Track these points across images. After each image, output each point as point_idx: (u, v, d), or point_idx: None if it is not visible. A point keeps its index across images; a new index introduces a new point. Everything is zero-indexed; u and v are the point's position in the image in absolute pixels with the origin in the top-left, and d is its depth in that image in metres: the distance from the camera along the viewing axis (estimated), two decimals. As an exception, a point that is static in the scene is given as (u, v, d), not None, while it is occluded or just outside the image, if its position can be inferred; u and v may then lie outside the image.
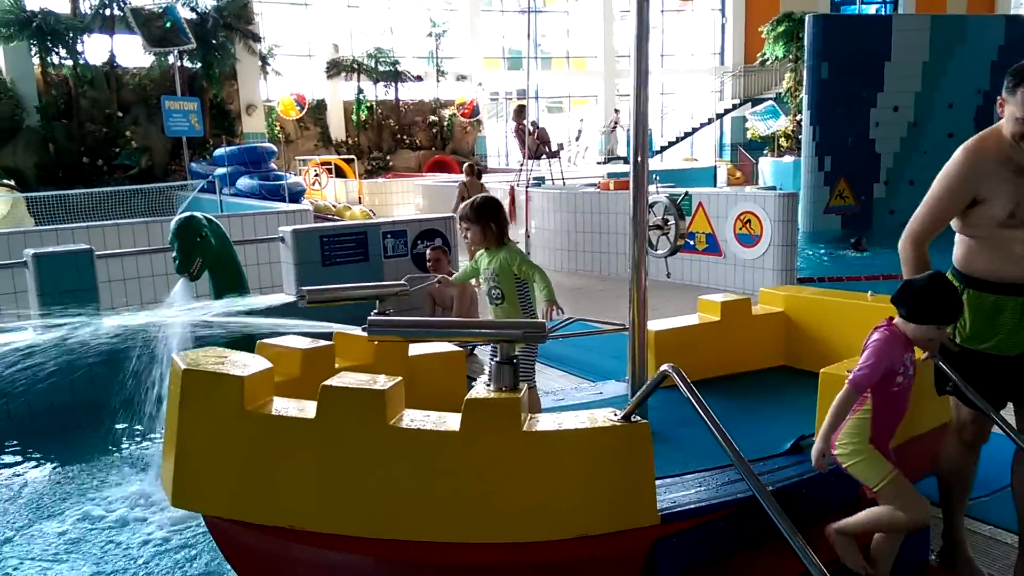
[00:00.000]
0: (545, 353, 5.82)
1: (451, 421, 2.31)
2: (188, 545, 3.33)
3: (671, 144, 28.31)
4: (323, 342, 2.99)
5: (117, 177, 17.40)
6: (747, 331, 4.25)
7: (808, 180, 13.46)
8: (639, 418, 2.42)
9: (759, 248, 8.59)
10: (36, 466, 4.39)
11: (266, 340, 2.96)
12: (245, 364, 2.42)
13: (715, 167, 21.45)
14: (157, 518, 3.56)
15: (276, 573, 2.48)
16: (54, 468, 4.34)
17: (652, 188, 10.32)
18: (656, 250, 3.43)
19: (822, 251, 12.12)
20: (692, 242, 9.28)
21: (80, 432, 4.67)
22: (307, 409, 2.32)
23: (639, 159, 3.11)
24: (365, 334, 2.73)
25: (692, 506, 2.61)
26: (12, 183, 14.58)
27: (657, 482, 2.66)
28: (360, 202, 17.35)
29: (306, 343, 2.96)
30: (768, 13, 26.00)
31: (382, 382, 2.31)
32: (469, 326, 2.85)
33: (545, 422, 2.38)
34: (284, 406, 2.35)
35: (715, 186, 18.95)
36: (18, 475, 4.27)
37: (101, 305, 5.60)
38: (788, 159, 20.39)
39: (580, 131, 28.49)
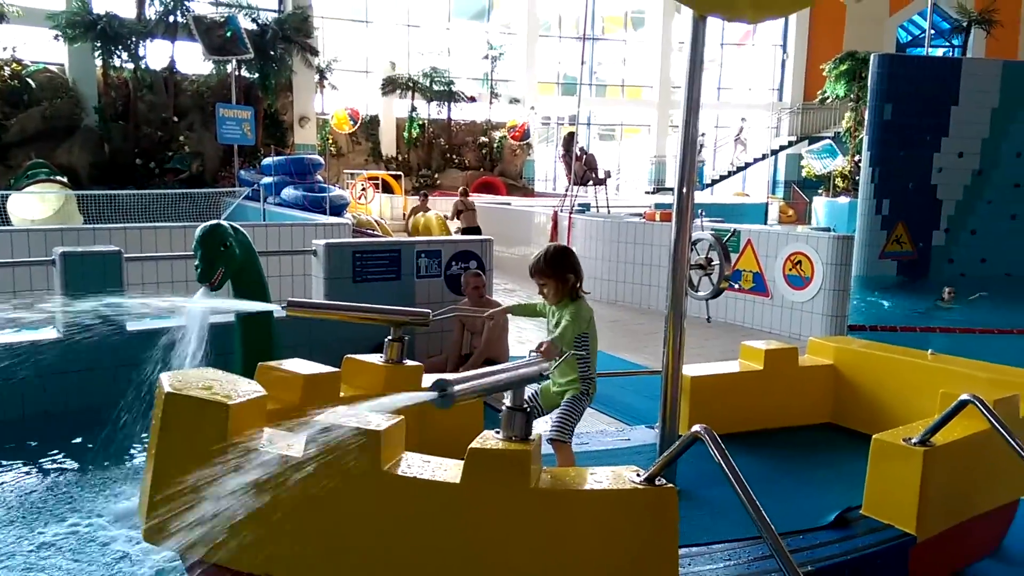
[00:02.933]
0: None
1: (454, 470, 2.07)
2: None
3: (722, 178, 27.87)
4: (328, 368, 2.78)
5: (168, 180, 17.67)
6: (792, 383, 3.93)
7: (864, 223, 12.96)
8: (664, 481, 2.15)
9: (809, 291, 8.20)
10: (40, 470, 4.26)
11: (269, 364, 2.76)
12: (235, 390, 2.22)
13: (766, 204, 20.96)
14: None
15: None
16: (55, 473, 4.20)
17: (697, 222, 9.98)
18: (697, 291, 3.15)
19: (876, 298, 11.62)
20: (738, 282, 8.93)
21: (87, 437, 4.54)
22: (296, 445, 2.10)
23: (684, 191, 2.86)
24: (379, 361, 2.51)
25: (719, 584, 2.32)
26: (65, 180, 14.87)
27: (681, 551, 2.38)
28: (404, 218, 17.30)
29: (310, 368, 2.75)
30: (830, 51, 25.51)
31: (380, 420, 2.08)
32: (503, 372, 2.57)
33: (558, 479, 2.13)
34: (272, 439, 2.14)
35: (765, 223, 18.48)
36: (27, 475, 4.15)
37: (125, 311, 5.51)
38: (843, 200, 19.83)
39: (742, 128, 28.33)
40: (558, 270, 3.19)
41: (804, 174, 25.67)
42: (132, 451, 4.39)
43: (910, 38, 29.90)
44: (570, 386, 3.18)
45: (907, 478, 2.69)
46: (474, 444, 2.06)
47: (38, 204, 13.76)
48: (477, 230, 12.42)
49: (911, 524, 2.68)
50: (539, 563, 2.05)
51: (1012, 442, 2.58)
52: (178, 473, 2.12)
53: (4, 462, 4.26)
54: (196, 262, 4.41)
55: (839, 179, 22.93)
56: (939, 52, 28.53)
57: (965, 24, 26.59)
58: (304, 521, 2.05)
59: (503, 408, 2.14)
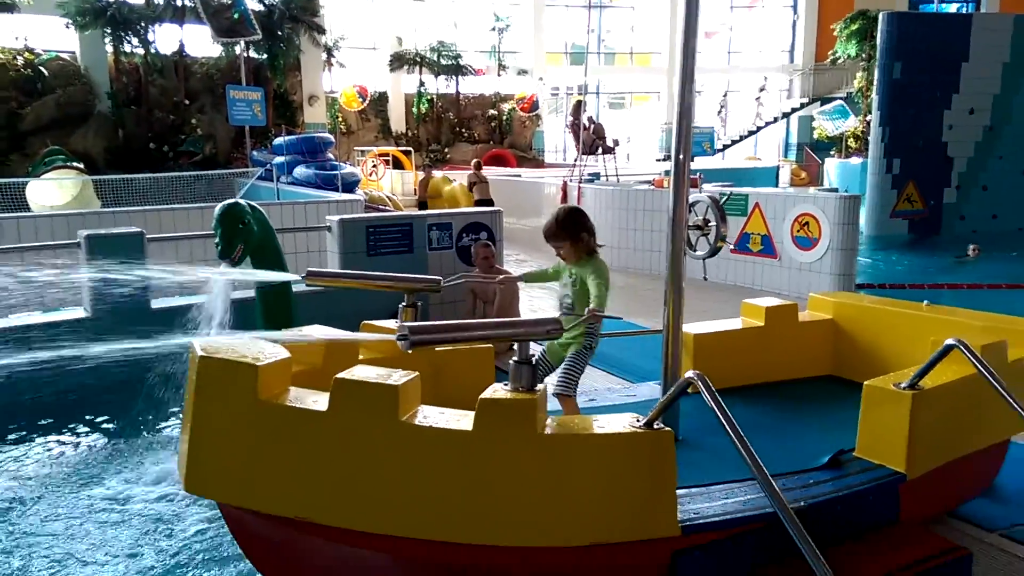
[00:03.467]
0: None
1: (465, 420, 2.24)
2: (207, 527, 3.35)
3: (733, 143, 27.73)
4: (348, 334, 2.96)
5: (182, 163, 17.89)
6: (792, 338, 4.07)
7: (875, 182, 12.98)
8: (662, 425, 2.32)
9: (816, 252, 8.29)
10: (85, 437, 4.51)
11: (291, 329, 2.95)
12: (262, 353, 2.40)
13: (778, 167, 20.90)
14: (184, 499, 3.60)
15: (287, 563, 2.46)
16: (101, 441, 4.44)
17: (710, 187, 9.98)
18: (695, 251, 3.29)
19: (887, 256, 11.67)
20: (747, 245, 9.03)
21: (127, 409, 4.77)
22: (321, 401, 2.28)
23: (681, 157, 2.99)
24: (394, 326, 2.67)
25: (716, 519, 2.49)
26: (81, 166, 15.10)
27: (681, 492, 2.56)
28: (415, 194, 17.45)
29: (331, 333, 2.93)
30: (842, 10, 25.21)
31: (397, 376, 2.26)
32: (496, 327, 2.76)
33: (563, 425, 2.30)
34: (298, 396, 2.32)
35: (777, 187, 18.46)
36: (65, 444, 4.39)
37: (150, 287, 5.72)
38: (856, 160, 19.75)
39: (763, 88, 28.27)
40: (572, 230, 3.32)
41: (816, 136, 25.53)
42: (164, 420, 4.62)
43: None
44: (575, 340, 3.34)
45: (897, 420, 2.84)
46: (484, 395, 2.23)
47: (56, 190, 14.01)
48: (490, 202, 12.54)
49: (901, 463, 2.83)
50: (546, 503, 2.22)
51: (995, 384, 2.72)
52: (214, 428, 2.32)
53: (46, 434, 4.51)
54: (216, 240, 4.59)
55: (851, 140, 22.79)
56: (953, 8, 28.08)
57: (979, -22, 26.17)
58: (331, 468, 2.24)
59: (511, 362, 2.31)
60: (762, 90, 27.99)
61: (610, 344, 5.85)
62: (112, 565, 3.10)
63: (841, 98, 24.41)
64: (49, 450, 4.36)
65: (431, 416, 2.27)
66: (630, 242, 10.15)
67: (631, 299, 8.14)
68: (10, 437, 4.47)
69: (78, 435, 4.57)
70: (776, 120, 27.71)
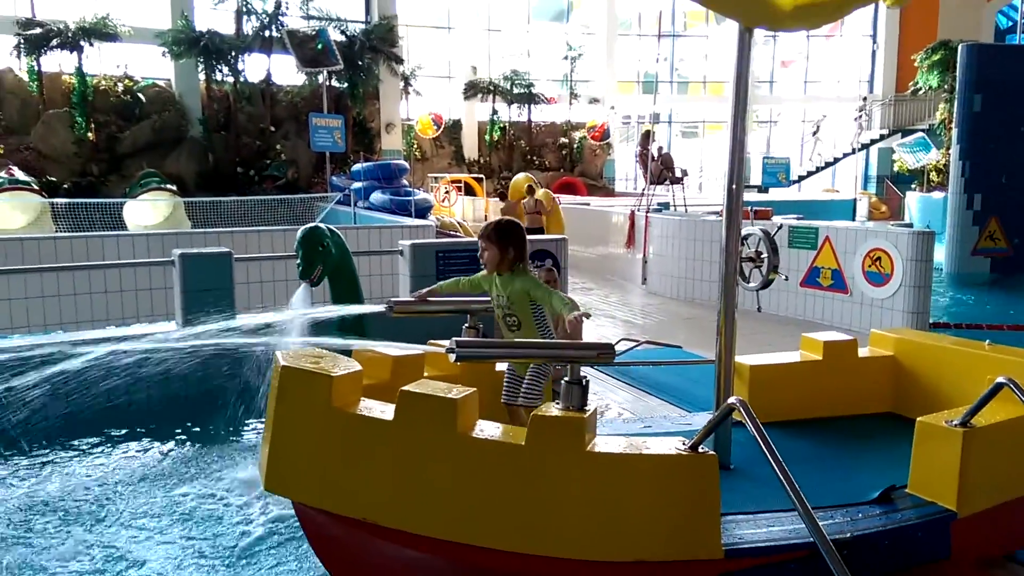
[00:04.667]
0: (644, 379, 5.82)
1: (519, 435, 2.41)
2: (279, 531, 3.58)
3: (810, 174, 27.25)
4: (415, 350, 3.17)
5: (266, 187, 18.73)
6: (852, 373, 4.09)
7: (955, 219, 12.61)
8: (707, 449, 2.43)
9: (889, 288, 8.15)
10: (167, 444, 4.85)
11: (365, 345, 3.17)
12: (337, 365, 2.62)
13: (855, 200, 20.45)
14: (260, 503, 3.85)
15: (353, 562, 2.65)
16: (181, 448, 4.77)
17: (778, 219, 9.90)
18: (748, 282, 3.39)
19: (967, 295, 11.32)
20: (817, 279, 8.95)
21: (207, 419, 5.09)
22: (388, 411, 2.48)
23: (734, 188, 3.12)
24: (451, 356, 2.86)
25: (759, 545, 2.57)
26: (174, 188, 16.01)
27: (728, 518, 2.65)
28: (486, 219, 17.80)
29: (399, 350, 3.15)
30: (924, 40, 24.63)
31: (456, 392, 2.44)
32: (546, 347, 2.94)
33: (611, 445, 2.44)
34: (368, 406, 2.53)
35: (854, 220, 18.07)
36: (148, 450, 4.73)
37: (236, 304, 6.09)
38: (938, 195, 19.18)
39: (819, 125, 28.01)
40: (502, 240, 3.40)
41: (896, 168, 24.88)
42: (245, 429, 4.93)
43: (1011, 23, 28.49)
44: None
45: (948, 458, 2.86)
46: (536, 412, 2.39)
47: (150, 211, 14.90)
48: (540, 231, 12.69)
49: (952, 501, 2.85)
50: (593, 518, 2.36)
51: (1049, 423, 2.73)
52: (292, 432, 2.55)
53: (138, 438, 4.87)
54: (297, 261, 4.90)
55: (933, 173, 22.15)
56: (1043, 38, 27.11)
57: (1072, 7, 25.20)
58: (394, 473, 2.43)
59: (562, 383, 2.46)
60: (817, 129, 27.34)
61: (668, 372, 5.93)
62: (189, 561, 3.36)
63: (923, 130, 23.77)
64: (136, 454, 4.70)
65: (487, 430, 2.45)
66: (697, 273, 10.15)
67: (696, 329, 8.16)
68: (98, 440, 4.83)
69: (163, 440, 4.91)
70: (855, 151, 27.13)
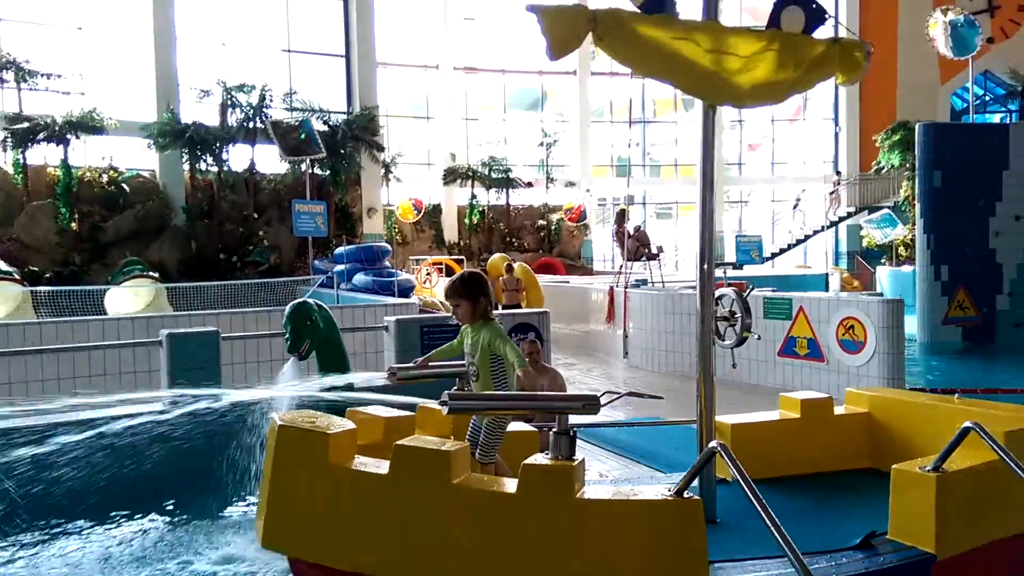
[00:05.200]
0: (626, 447, 5.89)
1: (511, 484, 2.50)
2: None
3: (782, 251, 27.93)
4: (406, 413, 3.26)
5: (248, 272, 18.86)
6: (829, 430, 4.21)
7: (924, 290, 12.99)
8: (691, 495, 2.53)
9: (864, 355, 8.36)
10: (150, 522, 4.81)
11: (355, 408, 3.26)
12: (332, 424, 2.71)
13: (827, 275, 20.96)
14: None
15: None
16: (164, 525, 4.74)
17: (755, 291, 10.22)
18: (723, 340, 3.55)
19: (941, 362, 11.57)
20: (794, 347, 9.15)
21: (191, 496, 5.07)
22: (383, 466, 2.57)
23: (705, 267, 3.32)
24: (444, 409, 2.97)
25: (747, 589, 2.64)
26: (156, 275, 16.09)
27: (716, 565, 2.73)
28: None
29: (390, 412, 3.24)
30: (884, 122, 25.80)
31: (449, 445, 2.54)
32: (534, 399, 3.06)
33: (599, 492, 2.53)
34: (363, 462, 2.61)
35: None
36: (132, 528, 4.69)
37: (222, 382, 6.13)
38: (908, 268, 19.72)
39: (799, 199, 28.75)
40: (472, 292, 3.49)
41: (865, 244, 25.60)
42: (231, 506, 4.91)
43: (965, 104, 29.93)
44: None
45: (924, 502, 2.97)
46: (527, 461, 2.49)
47: (132, 298, 14.91)
48: (518, 306, 13.10)
49: (931, 543, 2.94)
50: (582, 562, 2.43)
51: (1013, 466, 2.86)
52: (290, 488, 2.61)
53: (125, 515, 4.83)
54: (286, 335, 5.01)
55: (902, 248, 22.81)
56: (996, 118, 28.47)
57: (1020, 89, 26.61)
58: (390, 525, 2.50)
59: (551, 434, 2.57)
60: (798, 202, 28.39)
61: (651, 440, 6.00)
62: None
63: (888, 207, 24.60)
64: (123, 532, 4.66)
65: (479, 481, 2.53)
66: (676, 345, 10.33)
67: (679, 397, 8.25)
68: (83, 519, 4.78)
69: (150, 518, 4.88)
70: (824, 229, 27.92)
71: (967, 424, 2.92)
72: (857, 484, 3.99)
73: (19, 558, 4.25)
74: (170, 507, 5.01)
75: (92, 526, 4.69)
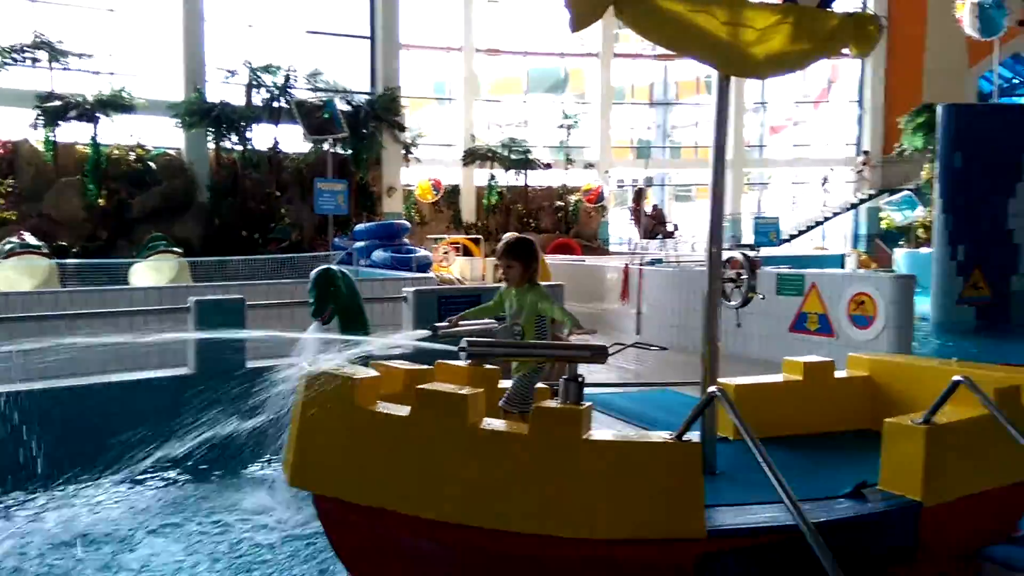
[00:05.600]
0: (631, 415, 6.07)
1: (523, 427, 2.70)
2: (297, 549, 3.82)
3: (800, 233, 27.84)
4: (426, 366, 3.47)
5: (270, 249, 19.17)
6: (830, 392, 4.38)
7: (940, 270, 13.03)
8: (691, 438, 2.72)
9: (873, 330, 8.47)
10: (184, 476, 5.08)
11: (378, 361, 3.48)
12: (358, 372, 2.93)
13: (843, 256, 20.94)
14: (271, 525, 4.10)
15: (371, 550, 2.90)
16: (196, 480, 5.01)
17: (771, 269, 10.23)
18: (730, 301, 3.73)
19: (954, 341, 11.62)
20: (805, 323, 9.27)
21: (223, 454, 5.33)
22: (404, 409, 2.78)
23: (713, 251, 3.49)
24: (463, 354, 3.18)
25: (740, 527, 2.83)
26: (180, 251, 16.42)
27: (712, 508, 2.92)
28: (483, 278, 18.22)
29: (411, 365, 3.46)
30: (908, 105, 25.54)
31: (467, 390, 2.74)
32: (547, 347, 3.25)
33: (605, 434, 2.73)
34: (386, 405, 2.83)
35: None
36: (168, 483, 4.97)
37: (247, 350, 6.37)
38: (926, 250, 19.64)
39: (826, 178, 28.78)
40: (527, 255, 3.67)
41: (884, 226, 25.46)
42: (253, 463, 5.17)
43: (994, 88, 29.54)
44: (524, 364, 3.60)
45: (913, 452, 3.15)
46: (538, 405, 2.69)
47: (155, 273, 15.25)
48: None
49: (918, 492, 3.12)
50: (589, 499, 2.63)
51: (1001, 419, 3.02)
52: (317, 431, 2.83)
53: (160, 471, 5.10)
54: (310, 300, 5.24)
55: (921, 230, 22.68)
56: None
57: (1048, 71, 26.24)
58: (410, 464, 2.71)
59: (561, 380, 2.77)
60: (825, 180, 28.31)
61: (656, 407, 6.17)
62: None
63: (910, 189, 24.44)
64: (155, 487, 4.94)
65: (494, 423, 2.74)
66: (690, 321, 10.45)
67: (688, 374, 8.43)
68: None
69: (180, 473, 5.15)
70: (844, 211, 27.79)
71: (957, 378, 3.08)
72: (855, 442, 4.16)
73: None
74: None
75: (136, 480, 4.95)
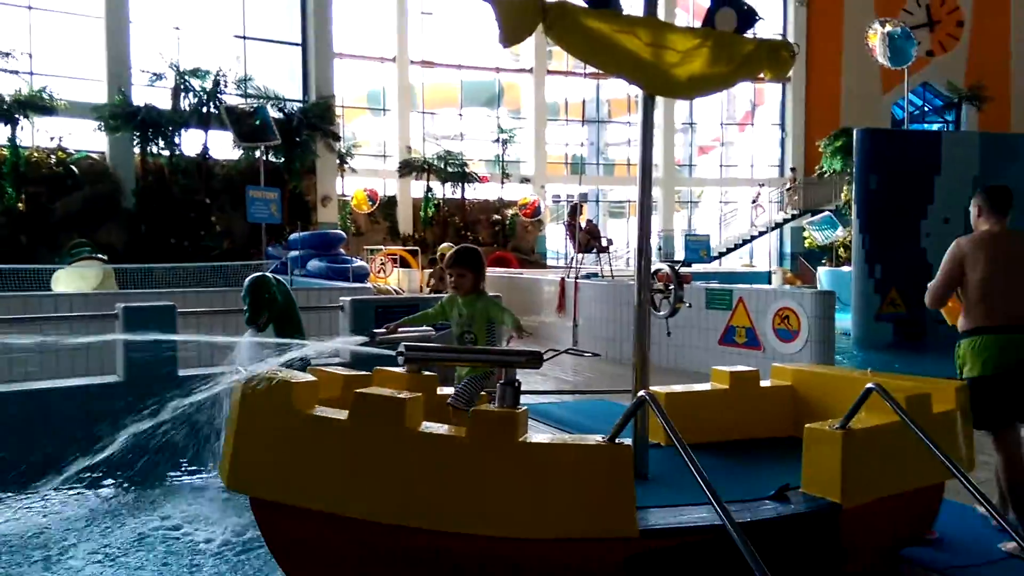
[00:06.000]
0: (560, 419, 6.19)
1: (461, 430, 2.74)
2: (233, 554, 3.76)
3: (729, 251, 28.71)
4: (364, 372, 3.48)
5: (214, 256, 18.73)
6: (755, 401, 4.56)
7: (859, 287, 13.61)
8: (622, 441, 2.81)
9: (797, 343, 8.82)
10: (117, 487, 4.93)
11: (317, 367, 3.47)
12: (294, 376, 2.92)
13: (769, 273, 21.69)
14: (208, 534, 4.02)
15: (308, 552, 2.89)
16: (129, 489, 4.87)
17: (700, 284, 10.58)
18: (659, 311, 3.86)
19: (872, 356, 12.16)
20: (734, 336, 9.59)
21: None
22: (342, 413, 2.79)
23: (642, 263, 3.63)
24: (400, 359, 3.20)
25: (670, 526, 2.93)
26: (105, 258, 15.87)
27: (645, 510, 3.01)
28: (421, 290, 18.15)
29: (348, 372, 3.46)
30: (827, 128, 26.70)
31: (404, 394, 2.77)
32: (482, 352, 3.31)
33: (540, 437, 2.79)
34: (323, 410, 2.83)
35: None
36: (99, 494, 4.81)
37: (178, 358, 6.22)
38: (847, 268, 20.50)
39: (759, 193, 29.41)
40: (477, 264, 3.80)
41: (807, 245, 26.48)
42: (178, 472, 5.05)
43: (904, 115, 31.14)
44: (476, 369, 3.72)
45: (831, 456, 3.31)
46: (476, 408, 2.74)
47: (80, 280, 14.69)
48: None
49: (836, 494, 3.28)
50: (524, 500, 2.69)
51: (911, 425, 3.21)
52: (253, 434, 2.82)
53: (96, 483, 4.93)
54: (244, 308, 5.17)
55: (841, 249, 23.67)
56: (934, 128, 29.68)
57: (956, 101, 27.82)
58: (348, 467, 2.72)
59: (497, 385, 2.83)
60: (757, 196, 29.29)
61: (592, 417, 6.32)
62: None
63: (831, 210, 25.50)
64: (83, 494, 4.78)
65: (432, 427, 2.78)
66: (624, 334, 10.68)
67: (622, 383, 8.61)
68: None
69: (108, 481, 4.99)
70: (769, 230, 28.79)
71: (869, 385, 3.26)
72: (779, 448, 4.34)
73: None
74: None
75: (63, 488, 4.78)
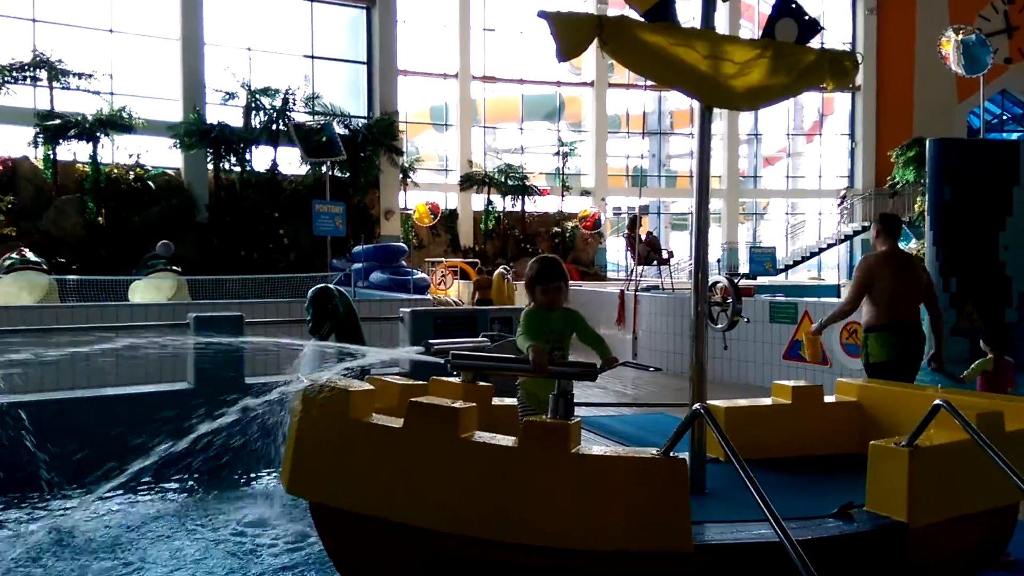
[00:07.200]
0: (618, 432, 6.14)
1: (513, 440, 2.76)
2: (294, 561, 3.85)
3: (796, 263, 28.06)
4: (421, 382, 3.54)
5: (282, 268, 19.31)
6: (819, 417, 4.44)
7: (933, 301, 13.13)
8: (677, 455, 2.78)
9: (865, 359, 8.55)
10: (184, 491, 5.11)
11: (375, 376, 3.55)
12: (352, 385, 2.99)
13: (839, 286, 21.09)
14: (270, 538, 4.13)
15: (364, 557, 2.94)
16: (196, 494, 5.04)
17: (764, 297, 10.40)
18: (716, 324, 3.81)
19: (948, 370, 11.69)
20: (799, 351, 9.36)
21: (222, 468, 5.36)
22: (397, 421, 2.84)
23: (699, 276, 3.58)
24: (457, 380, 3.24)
25: (727, 542, 2.88)
26: (179, 269, 16.50)
27: (701, 524, 2.97)
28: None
29: (405, 380, 3.52)
30: (899, 139, 25.91)
31: (458, 403, 2.81)
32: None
33: (593, 449, 2.79)
34: (379, 417, 2.89)
35: (837, 305, 18.64)
36: (169, 499, 4.99)
37: (245, 367, 6.41)
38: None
39: (844, 194, 28.87)
40: (567, 276, 3.68)
41: (878, 258, 25.69)
42: (253, 475, 5.20)
43: (981, 123, 29.98)
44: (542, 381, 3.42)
45: (897, 475, 3.20)
46: (528, 419, 2.75)
47: (155, 291, 15.30)
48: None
49: (903, 513, 3.17)
50: (577, 512, 2.68)
51: (981, 443, 3.08)
52: (313, 441, 2.89)
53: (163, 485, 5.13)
54: (307, 318, 5.31)
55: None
56: (1013, 136, 28.50)
57: (1038, 108, 26.67)
58: (403, 475, 2.77)
59: (551, 396, 2.84)
60: (843, 198, 28.43)
61: (648, 430, 6.26)
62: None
63: (904, 222, 24.69)
64: (153, 497, 4.97)
65: (484, 436, 2.80)
66: (684, 347, 10.53)
67: (682, 396, 8.50)
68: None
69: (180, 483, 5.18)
70: (838, 242, 28.05)
71: (937, 401, 3.15)
72: (843, 466, 4.21)
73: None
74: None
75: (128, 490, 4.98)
